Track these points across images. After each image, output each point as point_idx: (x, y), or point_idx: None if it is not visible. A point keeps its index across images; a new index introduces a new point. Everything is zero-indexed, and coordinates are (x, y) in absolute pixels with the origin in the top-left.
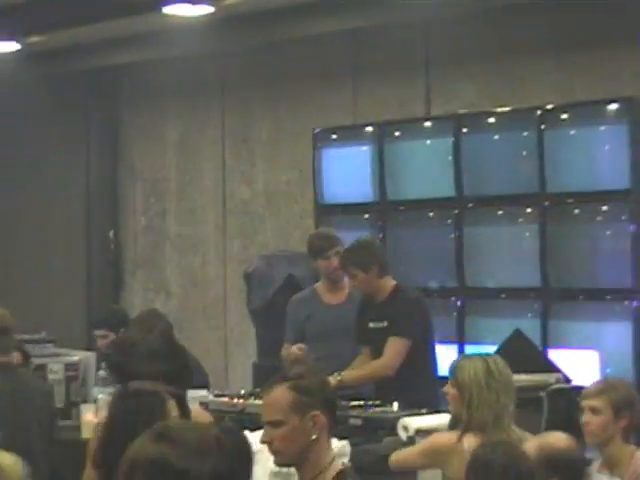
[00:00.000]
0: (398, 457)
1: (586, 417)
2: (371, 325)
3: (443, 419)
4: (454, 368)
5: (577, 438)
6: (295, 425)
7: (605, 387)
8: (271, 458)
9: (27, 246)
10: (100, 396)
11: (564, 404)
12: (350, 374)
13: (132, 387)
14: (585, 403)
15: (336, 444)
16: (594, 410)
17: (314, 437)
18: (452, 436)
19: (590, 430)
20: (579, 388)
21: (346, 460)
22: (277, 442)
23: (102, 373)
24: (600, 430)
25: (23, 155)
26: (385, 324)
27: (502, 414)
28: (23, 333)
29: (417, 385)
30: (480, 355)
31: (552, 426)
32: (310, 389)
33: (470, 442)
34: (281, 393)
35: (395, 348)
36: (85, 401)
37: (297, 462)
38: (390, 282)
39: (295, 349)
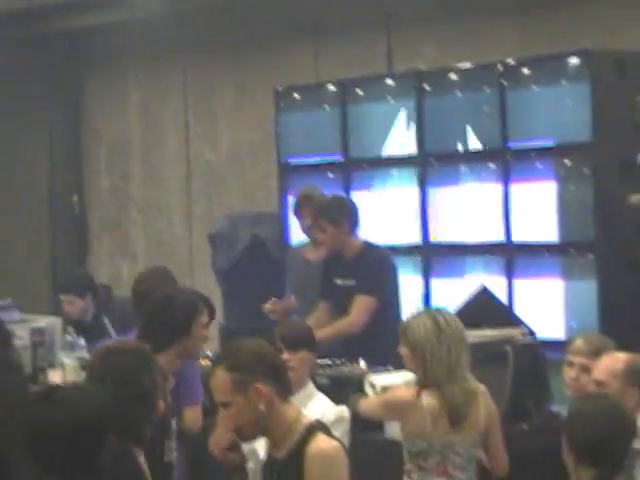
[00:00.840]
0: (363, 407)
1: (574, 373)
2: (338, 282)
3: (410, 376)
4: (404, 328)
5: (542, 390)
6: (241, 403)
7: (599, 348)
8: None
9: None
10: (66, 360)
11: (530, 357)
12: (316, 332)
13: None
14: (575, 359)
15: (334, 409)
16: (586, 370)
17: (262, 408)
18: (411, 392)
19: (577, 386)
20: (544, 342)
21: (347, 425)
22: (232, 421)
23: (68, 338)
24: (588, 389)
25: None
26: (352, 282)
27: (455, 366)
28: None
29: (383, 344)
30: (428, 311)
31: (518, 379)
32: (245, 365)
33: (428, 399)
34: (220, 376)
35: (362, 306)
36: (52, 366)
37: (259, 433)
38: (359, 240)
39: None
